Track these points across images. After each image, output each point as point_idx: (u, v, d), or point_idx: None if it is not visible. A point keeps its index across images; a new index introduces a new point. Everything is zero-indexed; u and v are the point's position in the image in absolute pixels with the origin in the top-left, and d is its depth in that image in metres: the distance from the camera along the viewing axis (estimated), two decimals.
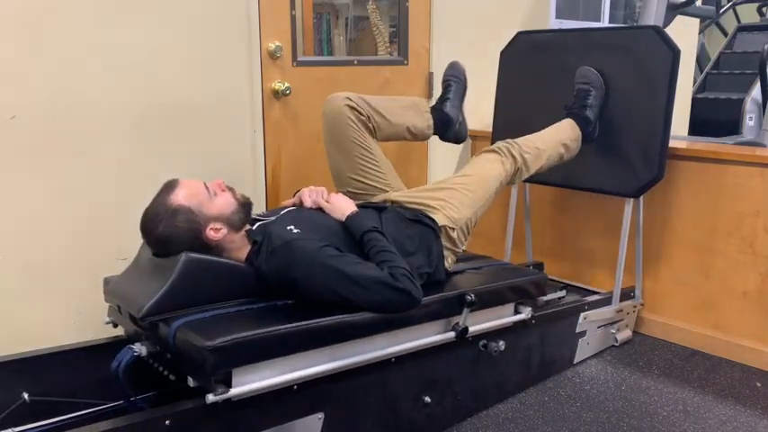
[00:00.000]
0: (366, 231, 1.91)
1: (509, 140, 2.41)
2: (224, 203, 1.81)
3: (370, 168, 2.29)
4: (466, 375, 2.19)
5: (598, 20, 4.15)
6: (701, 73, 5.32)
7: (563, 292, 2.77)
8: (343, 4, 3.29)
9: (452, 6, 3.09)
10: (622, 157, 2.61)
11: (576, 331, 2.57)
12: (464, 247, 2.26)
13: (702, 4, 4.84)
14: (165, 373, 1.78)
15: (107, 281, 1.98)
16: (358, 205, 2.08)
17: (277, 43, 2.57)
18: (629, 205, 2.66)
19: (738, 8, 5.69)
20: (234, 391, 1.60)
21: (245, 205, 1.87)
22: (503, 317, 2.22)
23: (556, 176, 2.75)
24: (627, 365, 2.60)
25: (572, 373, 2.54)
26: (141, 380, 1.86)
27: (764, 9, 5.83)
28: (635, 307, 2.84)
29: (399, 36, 3.01)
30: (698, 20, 4.66)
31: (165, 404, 1.61)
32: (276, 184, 2.68)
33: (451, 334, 2.02)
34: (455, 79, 2.53)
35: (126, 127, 2.28)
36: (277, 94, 2.62)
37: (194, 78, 2.40)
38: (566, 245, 3.12)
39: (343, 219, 1.97)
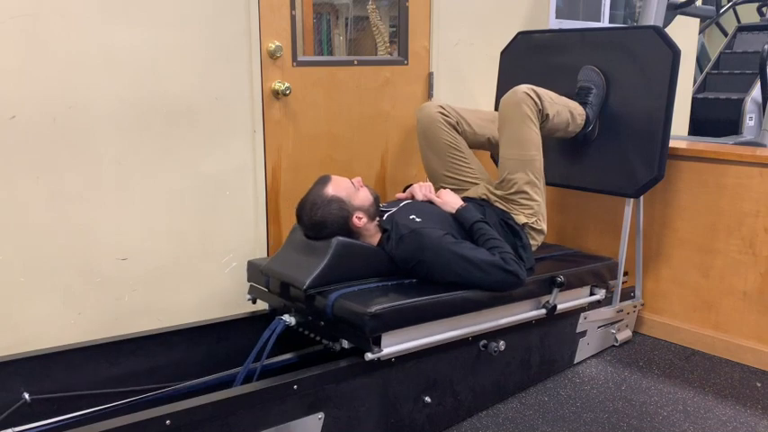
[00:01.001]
0: (475, 222, 2.25)
1: (527, 87, 2.43)
2: (365, 197, 2.18)
3: (461, 166, 2.62)
4: (466, 375, 2.19)
5: (598, 20, 4.15)
6: (701, 73, 5.32)
7: (626, 277, 2.82)
8: (343, 4, 3.29)
9: (452, 6, 3.09)
10: (622, 157, 2.61)
11: (577, 331, 2.57)
12: (545, 226, 2.50)
13: (702, 4, 4.84)
14: (318, 338, 2.10)
15: (252, 263, 2.36)
16: (462, 200, 2.39)
17: (277, 43, 2.57)
18: (629, 205, 2.66)
19: (738, 8, 5.69)
20: (386, 351, 1.91)
21: (377, 200, 2.24)
22: (581, 297, 2.53)
23: (556, 176, 2.75)
24: (627, 365, 2.60)
25: (572, 373, 2.54)
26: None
27: (764, 9, 5.82)
28: (635, 307, 2.84)
29: (399, 36, 3.01)
30: (698, 20, 4.66)
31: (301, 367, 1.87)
32: (276, 184, 2.68)
33: (543, 311, 2.32)
34: (593, 85, 2.68)
35: (126, 126, 2.28)
36: (277, 94, 2.61)
37: (194, 78, 2.40)
38: (566, 245, 3.12)
39: (453, 211, 2.30)
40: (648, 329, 2.88)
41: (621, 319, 2.78)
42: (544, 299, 2.34)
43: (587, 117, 2.59)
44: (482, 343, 2.18)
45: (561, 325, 2.50)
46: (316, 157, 2.77)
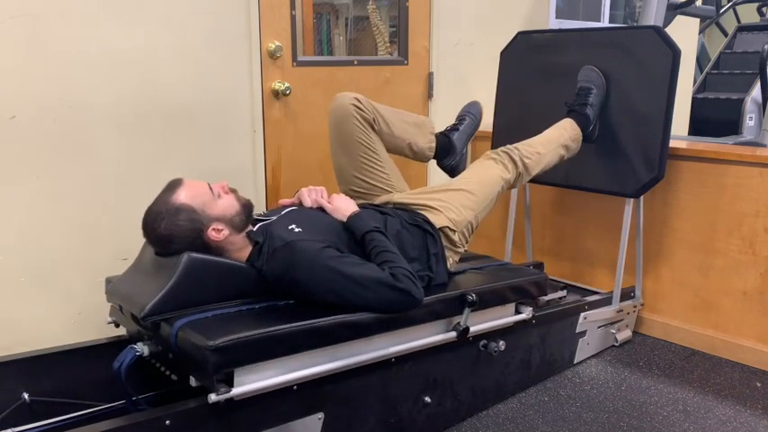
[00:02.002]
0: (368, 231, 1.93)
1: (509, 147, 2.41)
2: (227, 205, 1.83)
3: (373, 168, 2.29)
4: (466, 375, 2.19)
5: (598, 20, 4.15)
6: (701, 73, 5.32)
7: (563, 292, 2.77)
8: (343, 4, 3.29)
9: (452, 6, 3.09)
10: (622, 157, 2.61)
11: (577, 331, 2.57)
12: (465, 248, 2.27)
13: (702, 4, 4.84)
14: (168, 372, 1.79)
15: (109, 280, 1.99)
16: (359, 206, 2.09)
17: (277, 43, 2.57)
18: (629, 205, 2.66)
19: (738, 8, 5.69)
20: (236, 391, 1.61)
21: (247, 207, 1.89)
22: (504, 317, 2.23)
23: (556, 176, 2.75)
24: (627, 365, 2.60)
25: (572, 373, 2.54)
26: (144, 379, 1.87)
27: (764, 9, 5.82)
28: (635, 307, 2.84)
29: (399, 36, 3.01)
30: (698, 20, 4.66)
31: (167, 404, 1.62)
32: (276, 184, 2.68)
33: (453, 334, 2.02)
34: (470, 116, 2.56)
35: (126, 127, 2.28)
36: (277, 94, 2.62)
37: (194, 78, 2.40)
38: (566, 245, 3.12)
39: (345, 219, 1.99)
40: (648, 329, 2.88)
41: (621, 319, 2.78)
42: (456, 319, 2.04)
43: (588, 118, 2.58)
44: (482, 343, 2.18)
45: (561, 325, 2.50)
46: (315, 156, 2.77)
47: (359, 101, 2.26)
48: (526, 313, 2.27)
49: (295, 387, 1.75)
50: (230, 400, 1.61)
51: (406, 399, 2.04)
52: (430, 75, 3.09)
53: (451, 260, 2.20)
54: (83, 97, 2.18)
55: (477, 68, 3.24)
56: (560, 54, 2.82)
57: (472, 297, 2.01)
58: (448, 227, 2.16)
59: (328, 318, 1.75)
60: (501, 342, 2.19)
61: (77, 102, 2.17)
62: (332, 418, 1.87)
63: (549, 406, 2.30)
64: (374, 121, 2.29)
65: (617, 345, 2.76)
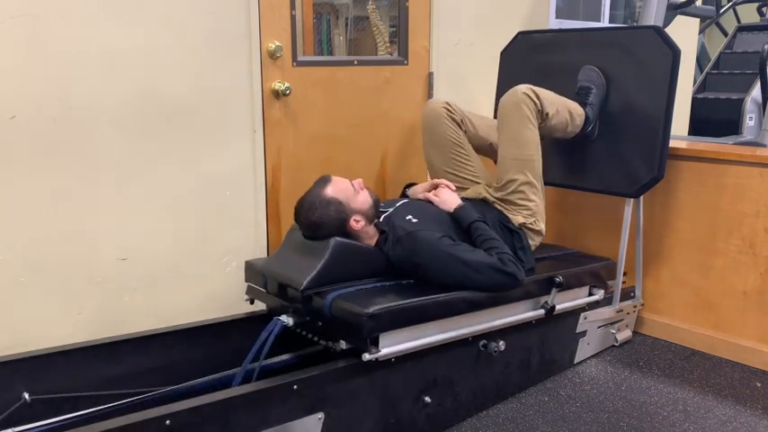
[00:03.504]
0: (473, 221, 2.24)
1: (526, 86, 2.43)
2: (364, 200, 2.18)
3: (462, 163, 2.60)
4: (466, 375, 2.19)
5: (598, 20, 4.15)
6: (701, 73, 5.32)
7: (625, 277, 2.81)
8: (343, 4, 3.29)
9: (452, 6, 3.09)
10: (622, 157, 2.61)
11: (577, 331, 2.57)
12: (543, 225, 2.48)
13: (702, 4, 4.83)
14: (316, 338, 2.10)
15: (250, 263, 2.36)
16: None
17: (277, 43, 2.57)
18: (629, 205, 2.66)
19: (738, 8, 5.69)
20: (384, 351, 1.90)
21: (377, 202, 2.24)
22: (579, 298, 2.53)
23: (556, 176, 2.75)
24: (627, 365, 2.60)
25: (572, 373, 2.54)
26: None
27: (764, 9, 5.82)
28: (635, 307, 2.84)
29: (399, 36, 3.01)
30: (698, 20, 4.65)
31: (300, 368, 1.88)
32: (276, 184, 2.68)
33: (541, 311, 2.32)
34: None
35: (126, 126, 2.28)
36: (277, 94, 2.61)
37: (194, 78, 2.40)
38: (566, 245, 3.12)
39: (451, 210, 2.30)
40: (648, 329, 2.88)
41: (621, 319, 2.78)
42: (543, 299, 2.34)
43: (587, 117, 2.59)
44: (482, 343, 2.18)
45: (561, 325, 2.50)
46: (316, 157, 2.77)
47: (449, 104, 2.60)
48: (598, 295, 2.57)
49: (295, 386, 1.77)
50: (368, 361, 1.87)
51: (406, 399, 2.05)
52: (430, 75, 3.08)
53: (533, 242, 2.46)
54: (83, 97, 2.18)
55: (477, 68, 3.23)
56: (560, 54, 2.82)
57: (559, 279, 2.33)
58: (525, 223, 2.43)
59: (450, 294, 2.06)
60: (501, 342, 2.19)
61: (77, 102, 2.17)
62: (332, 418, 1.87)
63: (549, 406, 2.30)
64: (462, 122, 2.60)
65: (617, 345, 2.76)
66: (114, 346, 2.05)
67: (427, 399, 2.08)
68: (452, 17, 3.10)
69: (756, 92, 4.70)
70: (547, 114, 2.45)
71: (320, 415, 1.85)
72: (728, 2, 5.52)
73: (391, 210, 2.29)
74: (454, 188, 2.45)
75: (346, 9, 3.30)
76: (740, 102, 4.75)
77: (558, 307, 2.35)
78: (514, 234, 2.39)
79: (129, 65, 2.25)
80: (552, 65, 2.83)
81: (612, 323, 2.74)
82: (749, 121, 4.72)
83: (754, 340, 2.59)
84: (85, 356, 1.97)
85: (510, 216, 2.43)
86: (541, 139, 2.49)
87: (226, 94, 2.48)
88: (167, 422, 1.56)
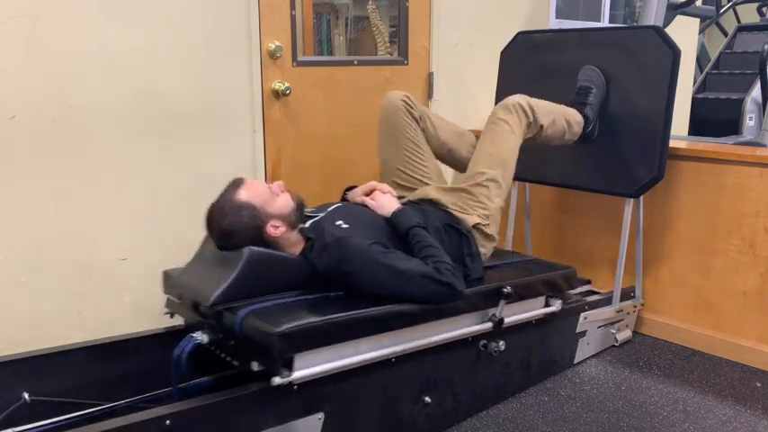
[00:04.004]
0: (411, 227, 2.05)
1: (521, 96, 2.41)
2: (284, 203, 1.97)
3: (416, 162, 2.42)
4: (466, 375, 2.19)
5: (598, 20, 4.15)
6: (701, 73, 5.32)
7: (589, 285, 2.80)
8: (343, 4, 3.29)
9: (452, 6, 3.09)
10: (622, 157, 2.61)
11: (576, 331, 2.57)
12: (496, 237, 2.34)
13: (702, 4, 4.83)
14: (228, 358, 1.90)
15: (168, 274, 2.10)
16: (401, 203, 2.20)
17: (277, 43, 2.57)
18: (629, 205, 2.66)
19: (738, 8, 5.69)
20: (296, 375, 1.72)
21: (300, 205, 2.03)
22: (534, 309, 2.34)
23: (556, 176, 2.75)
24: (627, 365, 2.60)
25: (572, 373, 2.54)
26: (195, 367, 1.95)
27: (764, 9, 5.82)
28: (635, 307, 2.84)
29: (399, 36, 3.01)
30: (698, 20, 4.66)
31: (220, 389, 1.72)
32: None
33: (488, 324, 2.13)
34: None
35: (126, 127, 2.28)
36: (277, 94, 2.62)
37: (194, 78, 2.40)
38: (566, 245, 3.12)
39: (388, 215, 2.11)
40: (648, 329, 2.88)
41: (621, 319, 2.78)
42: (491, 311, 2.16)
43: (587, 117, 2.58)
44: (482, 343, 2.18)
45: (561, 325, 2.50)
46: (316, 157, 2.77)
47: (408, 98, 2.41)
48: (556, 306, 2.38)
49: (295, 387, 1.76)
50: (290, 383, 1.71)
51: (406, 399, 2.04)
52: (430, 75, 3.09)
53: (485, 249, 2.30)
54: (83, 97, 2.18)
55: (477, 68, 3.23)
56: (560, 54, 2.82)
57: (508, 289, 2.14)
58: (480, 223, 2.26)
59: (379, 307, 1.87)
60: (501, 342, 2.19)
61: (77, 102, 2.17)
62: (332, 418, 1.87)
63: (549, 406, 2.30)
64: (421, 119, 2.43)
65: (617, 345, 2.76)
66: (114, 346, 2.05)
67: (427, 399, 2.08)
68: (452, 17, 3.10)
69: (756, 92, 4.70)
70: (542, 126, 2.41)
71: (320, 415, 1.84)
72: (728, 2, 5.52)
73: (322, 215, 2.09)
74: (393, 192, 2.25)
75: (346, 9, 3.30)
76: (740, 102, 4.75)
77: (507, 320, 2.16)
78: (463, 237, 2.21)
79: (129, 65, 2.25)
80: (552, 65, 2.83)
81: (612, 323, 2.74)
82: (749, 121, 4.72)
83: (754, 340, 2.59)
84: (85, 356, 1.96)
85: (462, 217, 2.26)
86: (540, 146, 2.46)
87: (226, 94, 2.48)
88: (167, 422, 1.56)
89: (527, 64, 2.94)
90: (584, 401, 2.33)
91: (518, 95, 2.41)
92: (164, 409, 1.59)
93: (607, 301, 2.70)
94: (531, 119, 2.39)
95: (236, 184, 1.96)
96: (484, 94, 3.19)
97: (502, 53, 3.05)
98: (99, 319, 2.28)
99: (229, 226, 1.89)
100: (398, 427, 2.05)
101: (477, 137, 2.71)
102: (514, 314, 2.24)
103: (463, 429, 2.17)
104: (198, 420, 1.62)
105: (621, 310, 2.76)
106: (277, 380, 1.67)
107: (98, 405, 1.91)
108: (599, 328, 2.68)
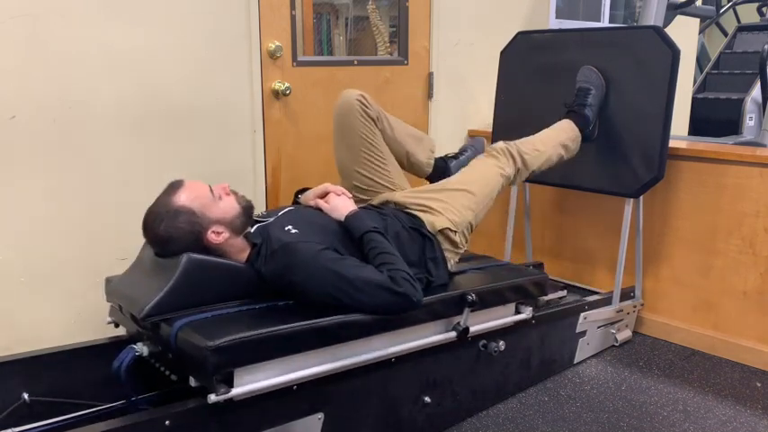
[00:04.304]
0: (366, 232, 1.92)
1: (508, 142, 2.41)
2: (227, 207, 1.83)
3: (375, 164, 2.29)
4: (466, 375, 2.19)
5: (598, 20, 4.15)
6: (701, 73, 5.32)
7: (564, 292, 2.77)
8: (343, 4, 3.29)
9: (452, 6, 3.09)
10: (622, 157, 2.61)
11: (576, 331, 2.57)
12: (466, 248, 2.26)
13: (702, 4, 4.84)
14: (167, 372, 1.79)
15: (108, 280, 1.99)
16: (360, 207, 2.08)
17: (277, 43, 2.57)
18: (629, 205, 2.66)
19: (738, 8, 5.69)
20: (235, 391, 1.60)
21: (247, 209, 1.89)
22: (504, 317, 2.23)
23: (556, 176, 2.75)
24: (627, 365, 2.60)
25: (572, 373, 2.54)
26: (146, 379, 1.87)
27: (764, 9, 5.83)
28: (635, 307, 2.84)
29: (399, 36, 3.01)
30: (698, 20, 4.66)
31: (167, 404, 1.62)
32: (276, 184, 2.68)
33: (452, 334, 2.02)
34: (472, 149, 2.58)
35: (126, 127, 2.28)
36: (277, 95, 2.62)
37: (194, 78, 2.40)
38: (566, 245, 3.12)
39: (342, 219, 1.98)
40: (648, 329, 2.88)
41: (621, 319, 2.78)
42: (456, 319, 2.04)
43: (587, 118, 2.58)
44: (482, 343, 2.18)
45: (561, 325, 2.50)
46: (316, 157, 2.77)
47: (364, 97, 2.26)
48: (526, 313, 2.27)
49: (295, 387, 1.75)
50: (230, 400, 1.61)
51: (406, 399, 2.04)
52: (430, 75, 3.09)
53: (452, 261, 2.20)
54: (83, 97, 2.18)
55: (477, 68, 3.24)
56: (560, 54, 2.82)
57: (472, 297, 2.02)
58: (449, 228, 2.15)
59: (328, 318, 1.74)
60: (501, 342, 2.19)
61: (77, 102, 2.17)
62: (332, 418, 1.87)
63: (549, 406, 2.30)
64: (377, 119, 2.29)
65: (617, 345, 2.76)
66: (114, 346, 2.05)
67: (427, 399, 2.08)
68: (452, 17, 3.10)
69: (756, 92, 4.70)
70: (533, 171, 2.42)
71: (320, 415, 1.84)
72: (728, 2, 5.52)
73: (271, 219, 1.97)
74: (348, 194, 2.12)
75: (346, 9, 3.30)
76: (740, 102, 4.75)
77: (473, 329, 2.06)
78: (426, 240, 2.10)
79: (130, 65, 2.25)
80: (552, 65, 2.83)
81: (612, 323, 2.74)
82: (749, 121, 4.72)
83: (754, 340, 2.59)
84: (85, 356, 1.96)
85: (429, 219, 2.16)
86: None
87: (226, 94, 2.48)
88: (167, 422, 1.56)
89: (527, 64, 2.94)
90: (584, 401, 2.33)
91: (501, 143, 2.39)
92: (164, 409, 1.59)
93: (607, 301, 2.70)
94: (520, 165, 2.36)
95: (175, 186, 1.82)
96: (484, 94, 3.19)
97: (502, 53, 3.05)
98: (99, 319, 2.28)
99: (166, 232, 1.76)
100: (398, 427, 2.04)
101: (472, 136, 2.71)
102: (481, 323, 2.12)
103: (463, 429, 2.17)
104: (198, 420, 1.62)
105: (621, 310, 2.76)
106: (212, 397, 1.56)
107: (98, 405, 1.91)
108: (599, 327, 2.68)
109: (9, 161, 2.08)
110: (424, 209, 2.19)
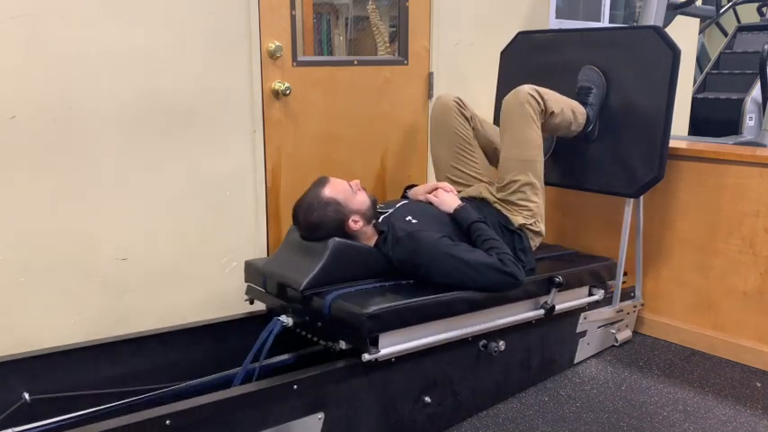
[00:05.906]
0: (473, 222, 2.25)
1: (528, 87, 2.43)
2: (362, 200, 2.19)
3: (468, 159, 2.63)
4: (466, 375, 2.19)
5: (598, 20, 4.15)
6: (701, 73, 5.32)
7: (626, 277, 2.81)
8: (343, 4, 3.29)
9: (452, 6, 3.09)
10: (622, 157, 2.61)
11: (577, 331, 2.57)
12: (542, 226, 2.49)
13: (702, 4, 4.83)
14: (315, 338, 2.11)
15: (250, 263, 2.38)
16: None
17: (277, 43, 2.57)
18: (629, 205, 2.66)
19: (738, 8, 5.68)
20: (384, 351, 1.91)
21: (375, 202, 2.26)
22: (580, 298, 2.54)
23: (556, 176, 2.75)
24: (627, 365, 2.60)
25: (572, 373, 2.54)
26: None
27: (764, 9, 5.82)
28: (635, 307, 2.84)
29: (399, 36, 3.00)
30: (698, 20, 4.65)
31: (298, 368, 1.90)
32: (276, 184, 2.68)
33: (541, 311, 2.32)
34: (591, 89, 2.68)
35: (126, 127, 2.28)
36: (277, 94, 2.61)
37: (194, 78, 2.40)
38: (566, 244, 3.11)
39: (451, 211, 2.31)
40: (648, 329, 2.88)
41: (621, 319, 2.78)
42: (542, 299, 2.35)
43: (588, 116, 2.59)
44: (482, 343, 2.18)
45: (561, 325, 2.50)
46: (316, 157, 2.77)
47: (460, 99, 2.63)
48: (598, 295, 2.58)
49: (295, 386, 1.77)
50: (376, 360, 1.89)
51: (406, 399, 2.05)
52: (430, 75, 3.08)
53: (534, 243, 2.47)
54: (83, 97, 2.18)
55: (477, 68, 3.23)
56: (560, 54, 2.82)
57: (559, 279, 2.33)
58: (525, 224, 2.43)
59: (449, 294, 2.07)
60: (501, 342, 2.19)
61: (77, 102, 2.17)
62: (332, 418, 1.87)
63: (549, 406, 2.30)
64: (471, 118, 2.64)
65: (617, 345, 2.76)
66: (114, 346, 2.05)
67: (427, 399, 2.08)
68: (452, 17, 3.10)
69: (756, 92, 4.70)
70: (552, 113, 2.46)
71: (320, 415, 1.85)
72: (728, 2, 5.52)
73: (391, 210, 2.31)
74: (454, 190, 2.45)
75: (346, 9, 3.30)
76: (740, 102, 4.75)
77: (558, 307, 2.35)
78: (515, 235, 2.39)
79: (129, 65, 2.25)
80: (552, 65, 2.83)
81: (612, 323, 2.74)
82: (749, 121, 4.72)
83: (754, 340, 2.59)
84: (85, 356, 1.97)
85: (510, 217, 2.44)
86: (546, 139, 2.49)
87: (226, 94, 2.48)
88: (167, 422, 1.56)
89: (527, 64, 2.94)
90: (584, 401, 2.33)
91: (526, 86, 2.45)
92: (164, 408, 1.59)
93: (607, 301, 2.70)
94: (543, 106, 2.44)
95: (322, 181, 2.18)
96: (484, 94, 3.19)
97: (502, 53, 3.05)
98: (99, 319, 2.28)
99: (317, 219, 2.10)
100: (398, 427, 2.05)
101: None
102: (563, 302, 2.42)
103: (463, 429, 2.17)
104: (198, 420, 1.62)
105: (621, 310, 2.76)
106: (366, 356, 1.86)
107: (98, 405, 1.91)
108: (599, 328, 2.68)
109: (9, 161, 2.08)
110: (506, 209, 2.45)
